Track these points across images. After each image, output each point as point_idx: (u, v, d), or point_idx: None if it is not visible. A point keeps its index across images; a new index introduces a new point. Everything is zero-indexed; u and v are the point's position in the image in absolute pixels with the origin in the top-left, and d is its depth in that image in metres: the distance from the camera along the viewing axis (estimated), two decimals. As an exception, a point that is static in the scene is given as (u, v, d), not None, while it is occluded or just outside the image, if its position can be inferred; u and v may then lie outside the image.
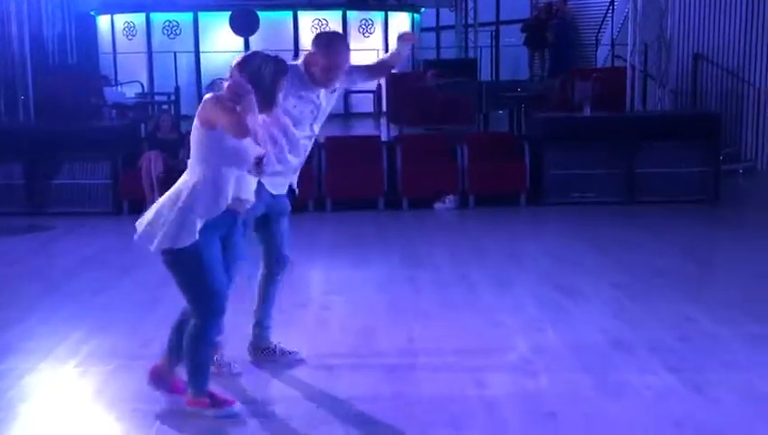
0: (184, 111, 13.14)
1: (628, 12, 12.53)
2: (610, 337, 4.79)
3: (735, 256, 6.94)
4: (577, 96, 11.86)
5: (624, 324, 5.02)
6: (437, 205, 8.92)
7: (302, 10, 16.09)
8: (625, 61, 11.92)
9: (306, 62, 4.19)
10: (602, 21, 15.71)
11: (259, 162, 3.61)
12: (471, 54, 17.60)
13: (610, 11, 15.23)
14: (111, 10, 16.16)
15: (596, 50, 15.83)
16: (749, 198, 10.09)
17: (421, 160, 9.18)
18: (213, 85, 4.17)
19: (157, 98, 14.58)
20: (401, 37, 4.41)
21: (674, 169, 9.34)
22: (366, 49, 16.32)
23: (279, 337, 4.89)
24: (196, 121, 3.61)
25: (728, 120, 11.46)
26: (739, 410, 3.79)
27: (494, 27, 17.93)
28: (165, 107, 13.59)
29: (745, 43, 11.96)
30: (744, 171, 11.56)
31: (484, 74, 16.51)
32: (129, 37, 16.01)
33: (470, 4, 18.34)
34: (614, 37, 14.88)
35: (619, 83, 11.74)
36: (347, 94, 16.04)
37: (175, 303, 5.67)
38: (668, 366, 4.27)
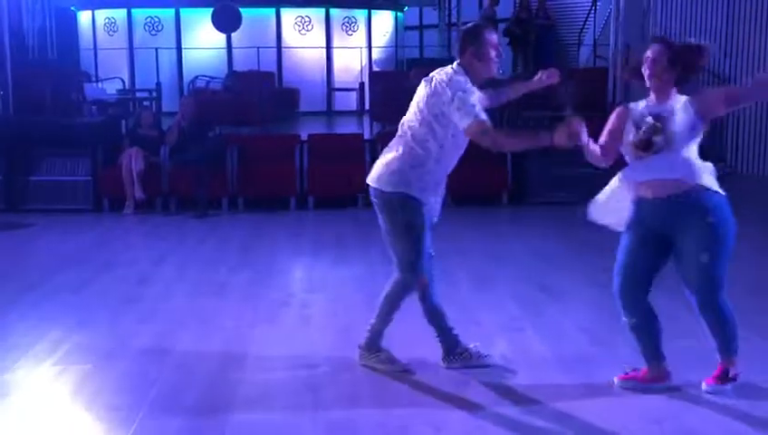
0: (165, 108, 13.10)
1: (610, 12, 12.59)
2: (591, 336, 4.81)
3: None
4: (559, 95, 11.88)
5: (605, 323, 5.04)
6: None
7: (284, 7, 16.05)
8: (607, 61, 11.98)
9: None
10: (584, 21, 15.76)
11: None
12: (454, 53, 17.61)
13: (593, 11, 15.28)
14: (92, 5, 16.05)
15: (578, 50, 15.88)
16: (730, 201, 10.13)
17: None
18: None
19: (138, 94, 14.49)
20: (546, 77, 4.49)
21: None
22: (349, 47, 16.33)
23: (260, 336, 4.88)
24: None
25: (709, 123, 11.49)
26: (719, 408, 3.82)
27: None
28: (146, 103, 13.52)
29: (726, 44, 12.05)
30: (723, 175, 11.59)
31: (467, 73, 16.52)
32: (111, 33, 15.91)
33: (453, 4, 18.36)
34: (596, 37, 14.94)
35: (601, 83, 11.80)
36: (330, 92, 16.04)
37: (154, 301, 5.68)
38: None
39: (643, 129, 3.91)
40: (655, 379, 4.01)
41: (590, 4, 15.51)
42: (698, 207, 3.82)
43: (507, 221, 8.88)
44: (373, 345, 4.27)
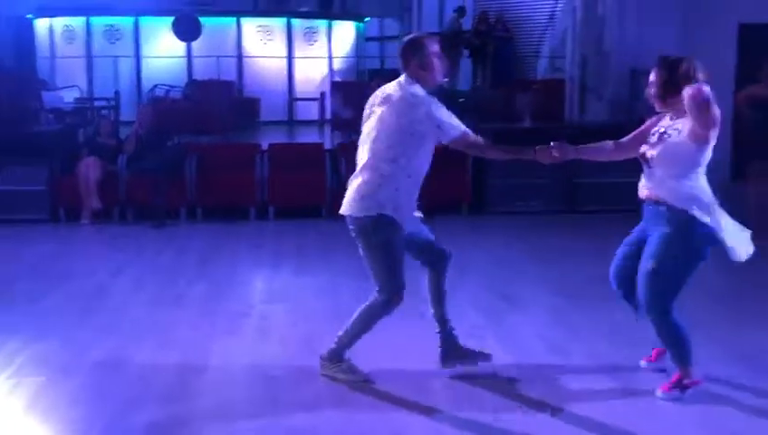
0: (124, 117, 12.96)
1: (567, 25, 12.77)
2: (549, 344, 4.86)
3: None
4: (518, 107, 12.05)
5: (563, 332, 5.10)
6: None
7: (245, 17, 16.01)
8: (564, 73, 12.14)
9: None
10: (542, 34, 15.96)
11: None
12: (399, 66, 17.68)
13: (550, 24, 15.48)
14: (50, 13, 15.84)
15: (536, 62, 16.07)
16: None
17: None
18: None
19: (96, 103, 14.31)
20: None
21: (612, 179, 9.50)
22: (310, 57, 16.33)
23: (219, 348, 4.84)
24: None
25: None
26: (674, 415, 3.88)
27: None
28: (104, 112, 13.38)
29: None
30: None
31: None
32: (69, 41, 15.71)
33: (414, 15, 18.45)
34: (553, 50, 15.12)
35: (559, 95, 11.97)
36: (291, 102, 16.02)
37: (111, 312, 5.60)
38: (606, 374, 4.34)
39: (649, 141, 4.07)
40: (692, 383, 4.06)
41: (547, 17, 15.71)
42: (667, 218, 3.93)
43: (468, 231, 8.92)
44: (335, 356, 4.26)
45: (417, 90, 4.01)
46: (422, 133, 3.99)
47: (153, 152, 9.05)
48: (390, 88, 4.10)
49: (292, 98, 15.96)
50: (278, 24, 16.13)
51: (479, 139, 4.15)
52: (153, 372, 4.41)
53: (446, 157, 10.63)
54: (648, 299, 3.95)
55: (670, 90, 3.94)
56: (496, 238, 8.22)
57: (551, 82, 14.00)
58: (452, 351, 4.31)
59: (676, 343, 4.01)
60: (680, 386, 4.01)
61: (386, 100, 4.06)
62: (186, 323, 5.38)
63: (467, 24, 16.70)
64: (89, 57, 15.50)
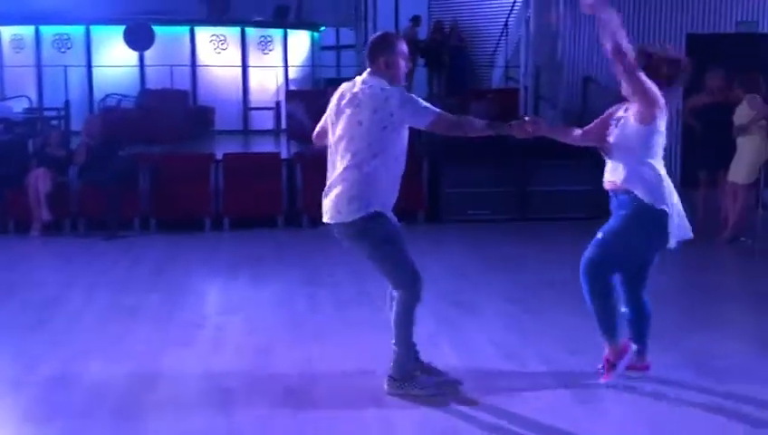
0: (74, 127, 12.76)
1: (521, 35, 12.93)
2: (503, 351, 4.89)
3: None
4: (473, 116, 12.11)
5: (517, 338, 5.14)
6: None
7: (199, 26, 15.90)
8: (518, 82, 12.28)
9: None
10: (497, 44, 16.12)
11: None
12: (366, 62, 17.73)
13: (504, 34, 15.65)
14: (-2, 22, 15.56)
15: (491, 71, 16.22)
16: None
17: (321, 177, 9.15)
18: None
19: (46, 113, 14.08)
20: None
21: (565, 187, 9.65)
22: (265, 66, 16.27)
23: (172, 359, 4.78)
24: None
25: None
26: (627, 422, 3.93)
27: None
28: (54, 122, 13.16)
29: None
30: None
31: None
32: (17, 50, 15.44)
33: (369, 24, 18.51)
34: (508, 59, 15.29)
35: (513, 104, 12.09)
36: (246, 112, 15.93)
37: (62, 325, 5.50)
38: (559, 379, 4.39)
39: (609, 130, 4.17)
40: (619, 354, 4.21)
41: (501, 27, 15.88)
42: (625, 203, 4.06)
43: (424, 239, 8.93)
44: (402, 371, 4.12)
45: (384, 84, 4.01)
46: (397, 124, 3.98)
47: (105, 163, 8.92)
48: (356, 87, 4.07)
49: (246, 107, 15.88)
50: (232, 33, 16.06)
51: (455, 117, 4.18)
52: (105, 386, 4.34)
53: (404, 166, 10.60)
54: (586, 263, 4.11)
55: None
56: (451, 247, 8.27)
57: (505, 91, 14.15)
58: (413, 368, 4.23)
59: (603, 312, 4.13)
60: (612, 366, 4.16)
61: (354, 99, 4.02)
62: (139, 334, 5.31)
63: (423, 33, 16.81)
64: (38, 66, 15.25)
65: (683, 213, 4.14)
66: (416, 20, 16.44)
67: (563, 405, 4.06)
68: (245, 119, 15.85)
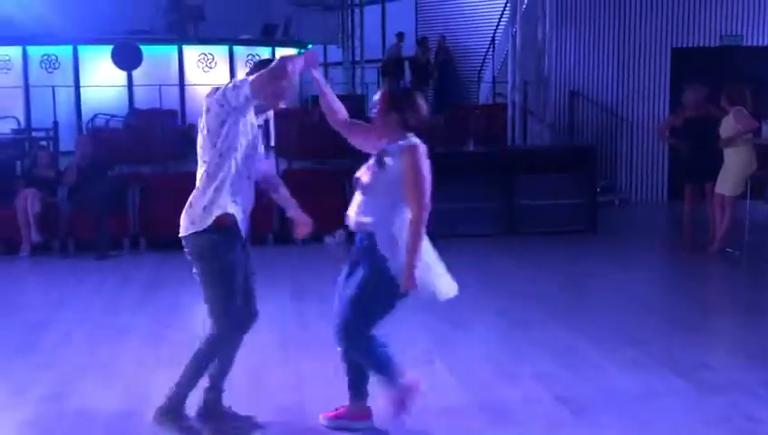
0: (63, 147, 12.71)
1: (508, 51, 13.02)
2: (496, 366, 4.89)
3: (613, 283, 7.23)
4: (461, 131, 12.18)
5: (509, 353, 5.14)
6: (327, 239, 8.89)
7: (187, 45, 15.92)
8: (506, 97, 12.35)
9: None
10: (484, 59, 16.22)
11: None
12: (358, 91, 17.82)
13: (491, 50, 15.75)
14: (-15, 42, 15.52)
15: (478, 87, 16.31)
16: (625, 229, 10.55)
17: (310, 195, 9.12)
18: None
19: (34, 134, 14.01)
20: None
21: (553, 201, 9.69)
22: (253, 84, 16.28)
23: (162, 380, 4.76)
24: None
25: (604, 154, 12.01)
26: (621, 434, 3.94)
27: (380, 64, 18.24)
28: (43, 143, 13.10)
29: (618, 81, 12.61)
30: (619, 203, 12.10)
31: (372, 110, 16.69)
32: (5, 71, 15.40)
33: (357, 42, 18.60)
34: (495, 75, 15.38)
35: (501, 119, 12.15)
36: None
37: (52, 346, 5.47)
38: (553, 394, 4.39)
39: (368, 163, 3.87)
40: (356, 416, 3.98)
41: (488, 42, 15.98)
42: (371, 250, 3.81)
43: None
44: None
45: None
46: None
47: (94, 183, 8.89)
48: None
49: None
50: (220, 51, 16.08)
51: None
52: (95, 407, 4.31)
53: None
54: (341, 323, 3.87)
55: (389, 115, 3.79)
56: (444, 262, 8.26)
57: (493, 106, 14.22)
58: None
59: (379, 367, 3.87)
60: (401, 405, 3.86)
61: None
62: (129, 355, 5.28)
63: (408, 49, 16.91)
64: (26, 87, 15.21)
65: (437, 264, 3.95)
66: (400, 36, 16.55)
67: (559, 419, 4.06)
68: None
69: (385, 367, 3.85)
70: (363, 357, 3.86)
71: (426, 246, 3.83)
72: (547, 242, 9.12)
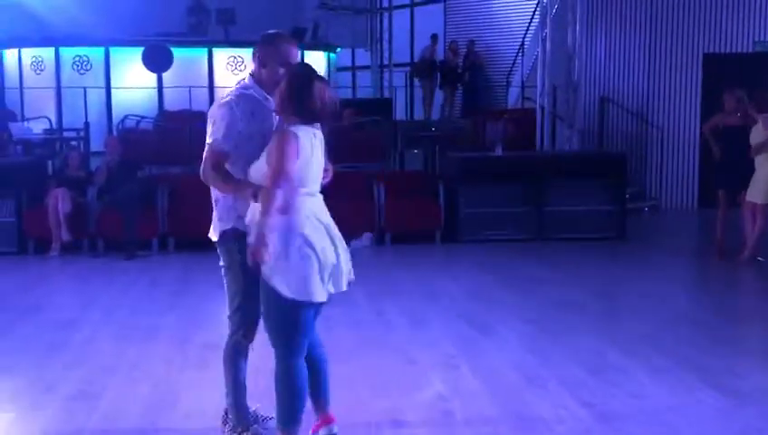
0: (94, 148, 12.88)
1: (537, 55, 12.96)
2: (523, 373, 4.86)
3: (642, 290, 7.16)
4: (489, 136, 12.15)
5: (536, 360, 5.11)
6: (354, 242, 8.92)
7: (217, 47, 16.04)
8: (535, 102, 12.29)
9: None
10: (513, 63, 16.16)
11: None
12: (386, 94, 17.84)
13: (520, 54, 15.69)
14: (19, 44, 15.75)
15: (507, 91, 16.25)
16: (654, 236, 10.46)
17: (338, 198, 9.16)
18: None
19: (65, 134, 14.21)
20: None
21: (582, 207, 9.62)
22: (282, 87, 16.37)
23: (190, 381, 4.79)
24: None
25: (633, 161, 11.91)
26: (647, 442, 3.90)
27: (408, 68, 18.25)
28: (74, 143, 13.28)
29: (648, 86, 12.50)
30: (648, 209, 12.00)
31: (399, 114, 16.73)
32: (38, 72, 15.62)
33: (385, 46, 18.63)
34: (524, 79, 15.31)
35: (530, 124, 12.09)
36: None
37: (81, 345, 5.52)
38: (580, 400, 4.35)
39: None
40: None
41: (517, 46, 15.93)
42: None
43: (440, 259, 8.95)
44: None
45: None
46: None
47: (123, 184, 8.99)
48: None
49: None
50: (250, 54, 16.16)
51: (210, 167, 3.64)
52: (123, 407, 4.35)
53: (419, 186, 10.68)
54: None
55: (288, 102, 3.46)
56: (468, 267, 8.25)
57: (521, 111, 14.16)
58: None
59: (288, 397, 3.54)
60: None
61: None
62: (157, 355, 5.32)
63: (437, 53, 16.89)
64: (58, 88, 15.41)
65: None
66: (435, 38, 16.54)
67: (586, 426, 4.02)
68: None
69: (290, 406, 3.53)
70: (283, 375, 3.54)
71: (327, 246, 3.48)
72: (576, 248, 9.06)
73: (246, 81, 3.71)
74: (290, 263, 3.38)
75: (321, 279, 3.45)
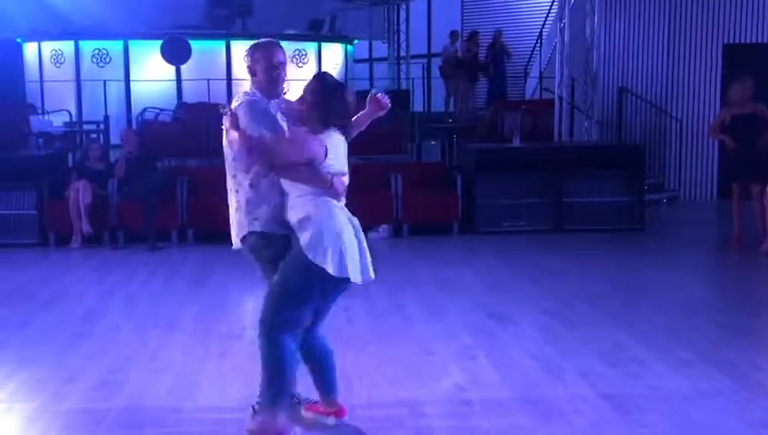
0: (113, 141, 12.96)
1: (555, 46, 12.90)
2: (542, 364, 4.87)
3: (661, 282, 7.15)
4: (506, 127, 12.13)
5: (554, 351, 5.11)
6: (371, 234, 8.95)
7: (234, 39, 16.07)
8: (553, 93, 12.24)
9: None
10: (531, 54, 16.09)
11: None
12: (403, 86, 17.81)
13: (538, 45, 15.61)
14: (38, 37, 15.85)
15: (525, 82, 16.19)
16: (673, 227, 10.41)
17: (355, 190, 9.19)
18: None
19: (85, 127, 14.30)
20: (374, 101, 4.03)
21: (600, 199, 9.60)
22: (300, 79, 16.37)
23: (211, 371, 4.84)
24: None
25: (652, 152, 11.85)
26: (667, 434, 3.89)
27: (425, 60, 18.21)
28: (93, 136, 13.36)
29: (667, 77, 12.42)
30: (667, 201, 11.93)
31: (417, 105, 16.70)
32: (57, 65, 15.71)
33: (402, 37, 18.59)
34: (542, 70, 15.25)
35: (548, 115, 12.05)
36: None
37: (102, 336, 5.59)
38: (599, 392, 4.36)
39: None
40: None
41: (535, 37, 15.85)
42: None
43: (458, 250, 8.95)
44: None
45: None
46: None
47: (143, 176, 9.05)
48: None
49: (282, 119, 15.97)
50: (268, 46, 16.19)
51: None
52: (145, 396, 4.40)
53: (436, 177, 10.67)
54: (260, 317, 3.70)
55: (316, 109, 3.83)
56: (486, 258, 8.25)
57: (539, 102, 14.11)
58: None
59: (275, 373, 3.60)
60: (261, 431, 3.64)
61: None
62: (177, 346, 5.37)
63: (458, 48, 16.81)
64: (77, 81, 15.50)
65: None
66: (454, 36, 16.48)
67: (605, 418, 4.03)
68: (281, 131, 15.95)
69: (278, 378, 3.58)
70: (269, 351, 3.60)
71: (348, 230, 3.70)
72: (594, 239, 9.04)
73: (249, 90, 3.97)
74: (334, 242, 3.56)
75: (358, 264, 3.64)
